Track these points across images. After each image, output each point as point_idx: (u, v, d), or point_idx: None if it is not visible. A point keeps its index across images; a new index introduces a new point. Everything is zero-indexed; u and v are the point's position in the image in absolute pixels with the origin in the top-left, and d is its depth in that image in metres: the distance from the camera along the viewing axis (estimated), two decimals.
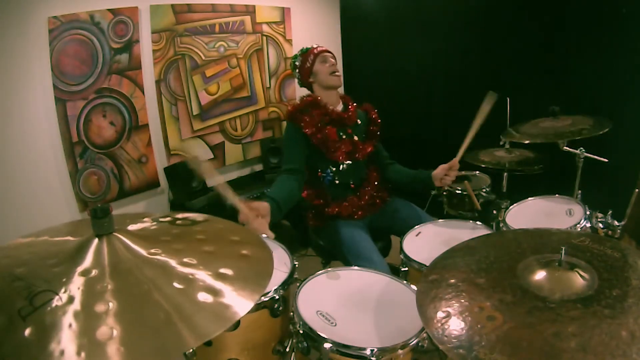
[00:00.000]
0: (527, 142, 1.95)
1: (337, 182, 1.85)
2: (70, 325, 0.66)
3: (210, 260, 0.85)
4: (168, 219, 1.04)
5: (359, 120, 1.92)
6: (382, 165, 2.01)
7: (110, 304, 0.70)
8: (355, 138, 1.87)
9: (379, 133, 1.98)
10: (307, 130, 1.77)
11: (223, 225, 1.05)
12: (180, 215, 1.07)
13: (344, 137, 1.85)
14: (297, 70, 1.95)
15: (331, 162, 1.84)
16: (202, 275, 0.80)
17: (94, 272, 0.76)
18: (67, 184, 2.37)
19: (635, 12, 2.17)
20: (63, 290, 0.71)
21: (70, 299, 0.70)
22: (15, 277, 0.75)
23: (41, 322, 0.66)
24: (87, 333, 0.65)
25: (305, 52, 1.91)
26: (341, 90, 1.98)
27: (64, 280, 0.74)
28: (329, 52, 1.93)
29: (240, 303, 0.76)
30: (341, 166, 1.84)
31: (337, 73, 1.87)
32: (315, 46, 1.93)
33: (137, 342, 0.65)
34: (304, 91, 1.94)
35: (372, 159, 1.98)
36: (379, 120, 1.98)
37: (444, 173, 1.78)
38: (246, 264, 0.87)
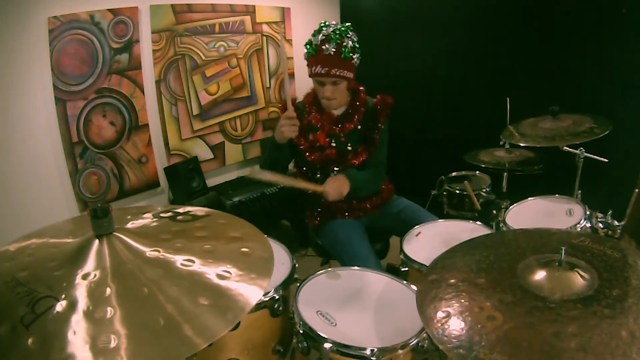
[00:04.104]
0: (528, 145, 1.94)
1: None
2: (73, 333, 0.65)
3: (212, 259, 0.85)
4: (169, 214, 1.04)
5: (359, 126, 1.77)
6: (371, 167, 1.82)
7: (113, 310, 0.69)
8: (349, 147, 1.75)
9: (377, 138, 1.78)
10: None
11: (224, 221, 1.04)
12: (181, 210, 1.07)
13: (334, 144, 1.75)
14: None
15: (318, 168, 1.78)
16: (204, 275, 0.80)
17: (95, 276, 0.75)
18: (67, 184, 2.36)
19: (635, 12, 2.17)
20: (64, 295, 0.71)
21: (73, 305, 0.69)
22: (18, 282, 0.75)
23: (44, 330, 0.66)
24: (90, 340, 0.64)
25: (307, 56, 1.68)
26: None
27: (65, 285, 0.73)
28: (332, 74, 1.62)
29: (242, 301, 0.76)
30: (332, 173, 1.77)
31: (330, 100, 1.68)
32: (324, 52, 1.60)
33: (142, 348, 0.65)
34: (305, 92, 1.90)
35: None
36: (382, 127, 1.78)
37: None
38: (247, 262, 0.87)
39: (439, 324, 0.81)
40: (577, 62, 2.41)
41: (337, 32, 1.61)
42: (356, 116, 1.76)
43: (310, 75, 1.69)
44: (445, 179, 2.48)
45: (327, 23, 1.65)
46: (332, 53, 1.60)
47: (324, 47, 1.60)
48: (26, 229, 0.97)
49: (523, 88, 2.54)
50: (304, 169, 1.84)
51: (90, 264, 0.78)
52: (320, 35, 1.62)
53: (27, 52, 2.14)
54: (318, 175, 1.80)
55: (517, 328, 0.76)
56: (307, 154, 1.75)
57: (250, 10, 3.06)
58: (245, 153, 3.25)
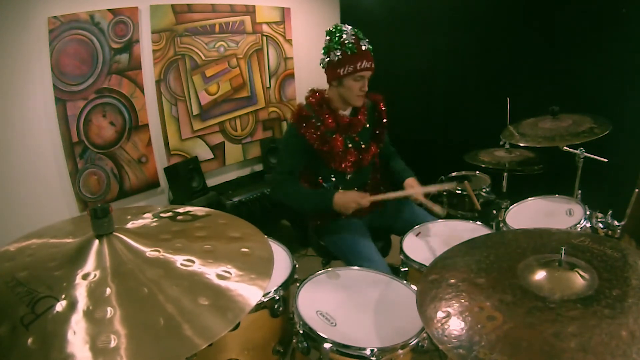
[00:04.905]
0: (528, 145, 1.94)
1: (340, 189, 1.79)
2: (73, 333, 0.65)
3: (212, 259, 0.85)
4: (169, 214, 1.04)
5: (367, 124, 1.81)
6: (383, 158, 1.97)
7: (113, 310, 0.69)
8: (362, 145, 1.79)
9: (384, 133, 1.88)
10: (312, 142, 1.68)
11: (224, 221, 1.04)
12: (181, 210, 1.07)
13: (350, 145, 1.76)
14: (325, 60, 1.71)
15: (334, 172, 1.77)
16: (204, 275, 0.80)
17: (95, 276, 0.75)
18: (67, 184, 2.36)
19: (635, 12, 2.17)
20: (64, 295, 0.71)
21: (73, 305, 0.69)
22: (18, 282, 0.75)
23: (44, 330, 0.65)
24: (90, 340, 0.64)
25: (349, 54, 1.63)
26: None
27: (65, 285, 0.73)
28: (373, 68, 1.69)
29: (242, 302, 0.76)
30: (347, 176, 1.79)
31: (362, 95, 1.72)
32: (362, 47, 1.65)
33: (142, 348, 0.64)
34: (305, 92, 1.87)
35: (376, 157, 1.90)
36: (385, 120, 1.85)
37: (411, 188, 1.79)
38: (247, 262, 0.87)
39: (439, 324, 0.81)
40: (577, 62, 2.41)
41: (358, 30, 1.69)
42: (363, 114, 1.80)
43: (353, 72, 1.65)
44: (445, 179, 2.48)
45: (339, 25, 1.70)
46: (367, 48, 1.68)
47: (360, 42, 1.67)
48: (26, 229, 0.97)
49: (523, 88, 2.54)
50: (316, 174, 1.81)
51: (90, 264, 0.78)
52: (349, 34, 1.66)
53: (27, 52, 2.14)
54: (333, 179, 1.79)
55: (517, 328, 0.76)
56: (341, 163, 1.73)
57: (250, 10, 3.06)
58: (245, 153, 3.25)
